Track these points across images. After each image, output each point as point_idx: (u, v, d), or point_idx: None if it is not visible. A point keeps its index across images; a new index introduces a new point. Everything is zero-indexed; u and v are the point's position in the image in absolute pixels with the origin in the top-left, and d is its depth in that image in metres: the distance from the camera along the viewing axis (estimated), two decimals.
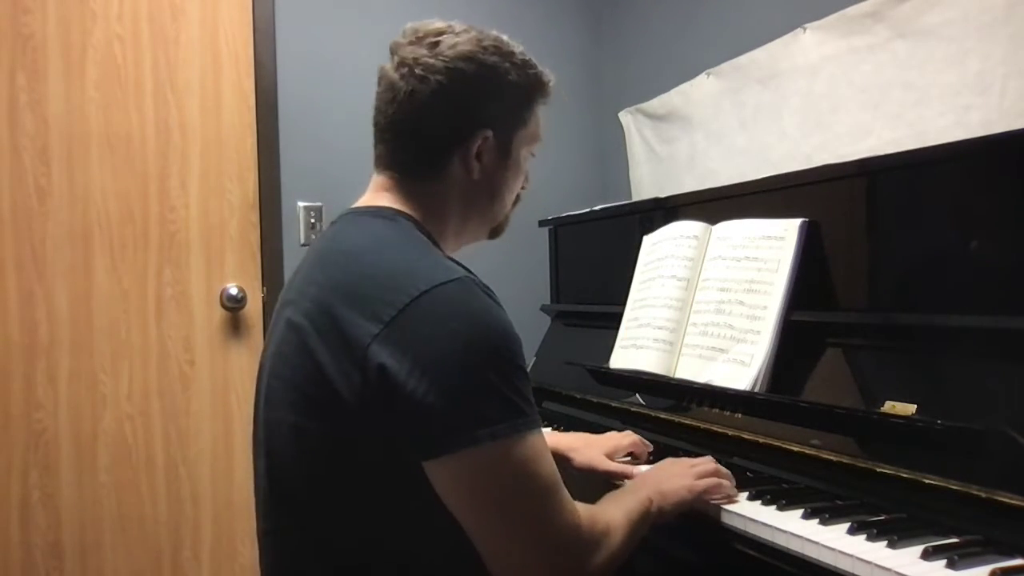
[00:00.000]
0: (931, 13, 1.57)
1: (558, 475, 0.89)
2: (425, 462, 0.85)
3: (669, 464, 1.16)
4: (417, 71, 0.97)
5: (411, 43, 0.99)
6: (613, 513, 0.96)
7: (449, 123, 0.99)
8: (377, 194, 1.03)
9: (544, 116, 1.09)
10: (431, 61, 0.97)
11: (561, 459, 1.29)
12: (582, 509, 0.91)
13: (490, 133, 1.00)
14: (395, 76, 0.99)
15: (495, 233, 1.14)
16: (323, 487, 0.91)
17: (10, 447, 2.06)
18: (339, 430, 0.87)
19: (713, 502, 1.10)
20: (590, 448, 1.32)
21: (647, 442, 1.38)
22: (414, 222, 1.00)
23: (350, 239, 0.98)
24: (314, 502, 0.92)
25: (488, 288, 0.91)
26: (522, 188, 1.12)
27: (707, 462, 1.14)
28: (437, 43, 0.98)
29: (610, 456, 1.31)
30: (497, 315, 0.88)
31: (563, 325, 2.09)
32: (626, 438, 1.37)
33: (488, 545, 0.87)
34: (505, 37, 1.04)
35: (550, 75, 1.06)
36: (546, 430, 1.64)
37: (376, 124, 1.03)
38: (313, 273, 0.97)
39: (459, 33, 1.00)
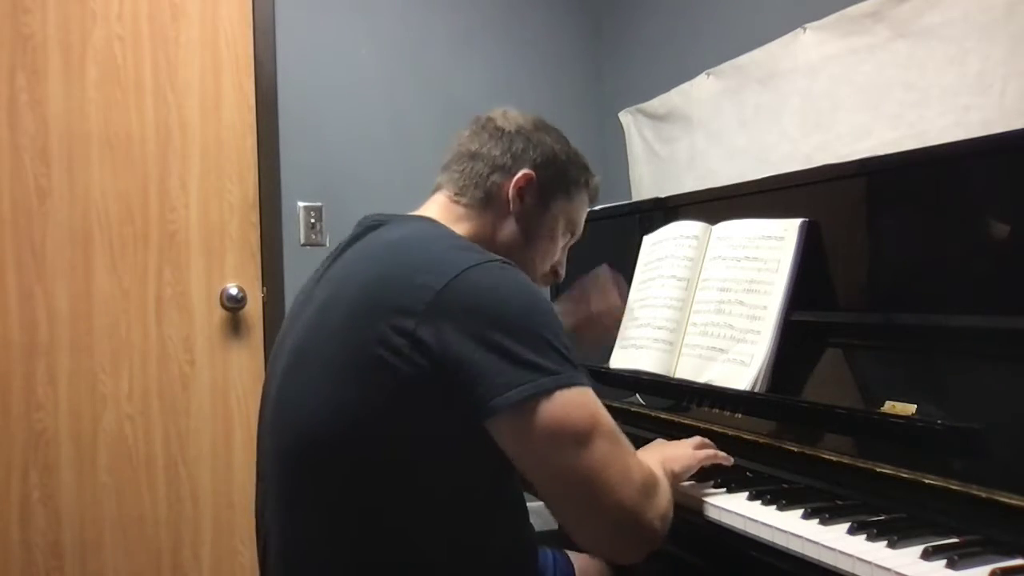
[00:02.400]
0: (931, 13, 1.57)
1: (616, 425, 0.92)
2: (489, 419, 0.87)
3: (664, 442, 1.21)
4: (484, 124, 1.15)
5: (484, 113, 1.18)
6: (655, 467, 0.99)
7: (500, 155, 1.12)
8: (427, 207, 1.14)
9: (583, 216, 1.23)
10: (498, 119, 1.15)
11: None
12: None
13: (533, 176, 1.12)
14: (463, 129, 1.17)
15: None
16: (367, 458, 0.91)
17: (10, 447, 2.06)
18: (385, 399, 0.89)
19: (714, 498, 1.11)
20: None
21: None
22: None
23: (394, 234, 1.03)
24: (355, 473, 0.92)
25: (524, 273, 0.97)
26: (554, 274, 1.22)
27: (702, 440, 1.20)
28: (507, 112, 1.17)
29: None
30: (537, 290, 0.95)
31: None
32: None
33: (567, 504, 0.89)
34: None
35: (598, 179, 1.23)
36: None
37: (442, 165, 1.17)
38: (356, 262, 1.02)
39: (526, 115, 1.18)
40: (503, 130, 1.13)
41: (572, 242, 1.24)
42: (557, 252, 1.20)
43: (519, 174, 1.11)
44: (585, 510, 0.89)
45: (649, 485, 0.91)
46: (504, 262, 0.95)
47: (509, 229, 1.12)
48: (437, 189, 1.15)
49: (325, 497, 0.94)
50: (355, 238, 1.08)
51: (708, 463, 1.16)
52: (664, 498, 0.94)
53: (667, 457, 1.09)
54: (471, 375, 0.86)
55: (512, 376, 0.86)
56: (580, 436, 0.87)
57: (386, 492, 0.91)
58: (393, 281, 0.92)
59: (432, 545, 0.93)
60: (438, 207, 1.12)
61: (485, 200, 1.11)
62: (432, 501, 0.92)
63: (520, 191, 1.11)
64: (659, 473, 0.98)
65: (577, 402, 0.88)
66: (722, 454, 1.18)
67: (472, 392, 0.86)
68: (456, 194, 1.12)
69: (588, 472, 0.87)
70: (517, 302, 0.90)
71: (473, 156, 1.12)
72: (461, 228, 1.09)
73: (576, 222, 1.21)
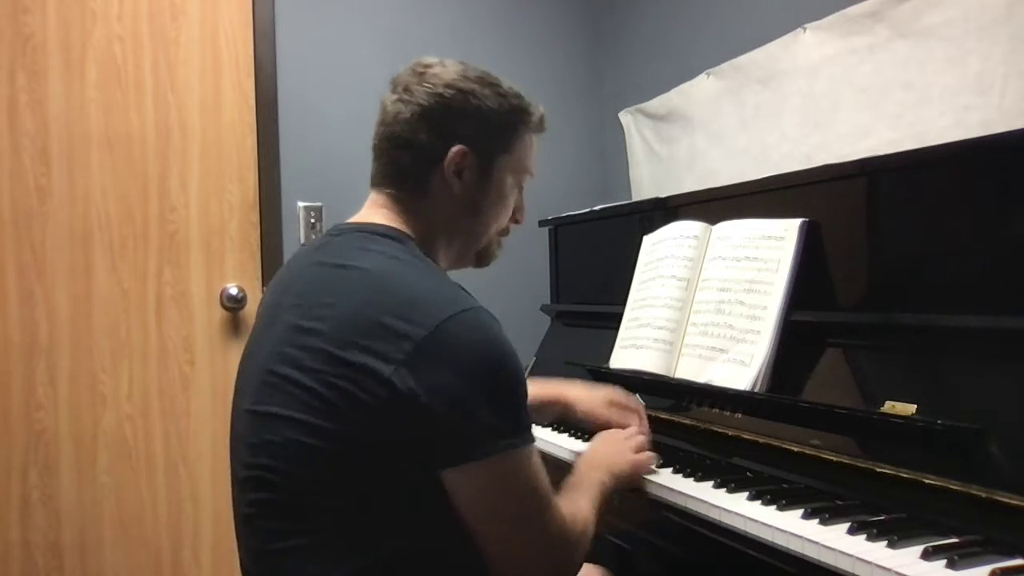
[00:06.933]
0: (931, 13, 1.57)
1: (551, 486, 1.00)
2: (447, 470, 0.92)
3: (609, 442, 1.29)
4: (404, 96, 1.07)
5: (406, 74, 1.09)
6: (583, 506, 1.08)
7: (427, 139, 1.06)
8: (374, 210, 1.09)
9: (537, 149, 1.16)
10: (417, 87, 1.07)
11: (565, 407, 1.42)
12: (564, 508, 1.01)
13: (466, 149, 1.06)
14: (387, 101, 1.09)
15: (481, 259, 1.19)
16: (326, 484, 0.93)
17: (10, 447, 2.06)
18: (360, 432, 0.91)
19: (715, 499, 1.12)
20: (592, 398, 1.41)
21: (640, 400, 1.44)
22: (415, 243, 1.06)
23: (374, 261, 1.00)
24: (313, 497, 0.94)
25: (494, 317, 0.98)
26: (514, 221, 1.19)
27: (638, 434, 1.30)
28: (425, 72, 1.08)
29: (608, 405, 1.39)
30: (509, 344, 0.97)
31: (563, 325, 2.09)
32: (618, 393, 1.43)
33: (500, 549, 0.96)
34: (495, 74, 1.11)
35: (539, 108, 1.14)
36: (543, 429, 1.64)
37: (373, 146, 1.12)
38: (335, 286, 0.99)
39: (448, 65, 1.09)
40: (424, 107, 1.05)
41: (526, 182, 1.18)
42: (511, 205, 1.16)
43: (451, 154, 1.05)
44: (507, 563, 0.97)
45: (570, 540, 1.01)
46: (476, 309, 0.95)
47: (456, 208, 1.09)
48: (376, 184, 1.11)
49: (293, 513, 0.96)
50: (319, 246, 1.08)
51: (644, 470, 1.25)
52: (584, 543, 1.03)
53: (612, 473, 1.18)
54: (435, 428, 0.90)
55: (472, 435, 0.91)
56: (521, 500, 0.96)
57: (354, 517, 0.94)
58: (372, 324, 0.92)
59: (402, 562, 0.95)
60: (386, 210, 1.08)
61: (423, 188, 1.07)
62: (402, 530, 0.94)
63: (457, 169, 1.06)
64: (590, 513, 1.07)
65: (524, 467, 0.95)
66: (653, 456, 1.27)
67: (436, 441, 0.91)
68: (396, 189, 1.08)
69: (521, 534, 0.96)
70: (489, 362, 0.93)
71: (400, 146, 1.07)
72: (412, 225, 1.07)
73: (525, 167, 1.15)
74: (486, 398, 0.92)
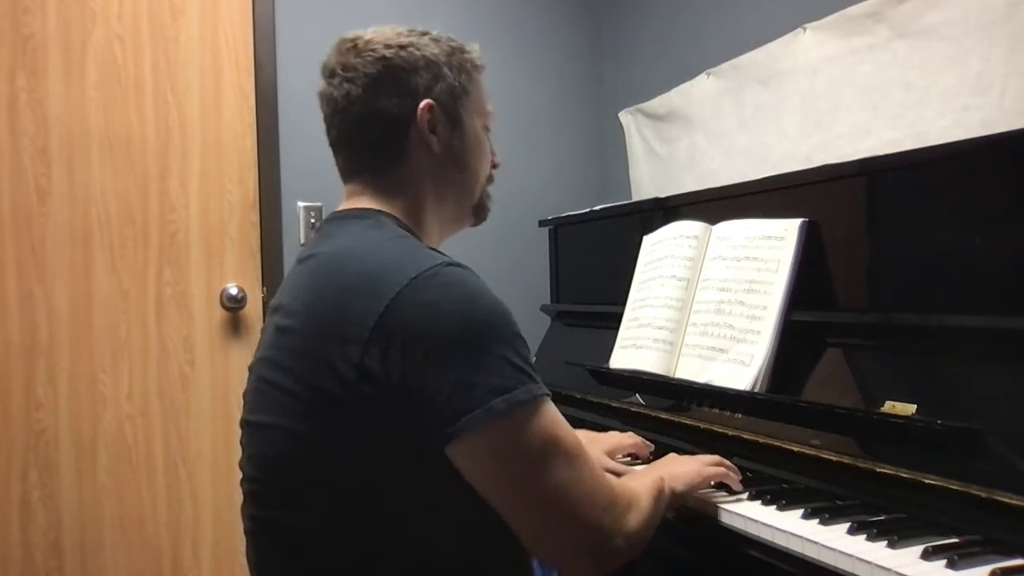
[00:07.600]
0: (931, 13, 1.57)
1: (579, 439, 0.89)
2: (448, 447, 0.83)
3: (675, 456, 1.21)
4: (346, 75, 1.01)
5: (336, 56, 1.03)
6: (635, 484, 0.97)
7: (391, 105, 1.00)
8: (353, 199, 1.05)
9: (488, 89, 1.12)
10: (355, 59, 1.01)
11: None
12: (609, 476, 0.91)
13: (432, 103, 1.01)
14: (329, 90, 1.03)
15: (478, 214, 1.14)
16: (317, 491, 0.90)
17: (10, 447, 2.06)
18: (340, 432, 0.86)
19: (715, 500, 1.11)
20: (592, 445, 1.33)
21: (648, 443, 1.39)
22: (395, 220, 1.01)
23: (336, 243, 0.98)
24: (305, 506, 0.91)
25: (472, 271, 0.91)
26: (493, 167, 1.13)
27: (712, 456, 1.18)
28: (355, 45, 1.02)
29: (611, 454, 1.33)
30: (488, 292, 0.88)
31: (563, 325, 2.09)
32: (628, 438, 1.38)
33: (526, 523, 0.86)
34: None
35: (474, 46, 1.10)
36: None
37: (331, 143, 1.07)
38: (301, 279, 0.97)
39: (373, 32, 1.04)
40: (373, 74, 1.00)
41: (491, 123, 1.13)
42: (488, 149, 1.11)
43: (419, 110, 1.00)
44: (542, 531, 0.86)
45: (614, 504, 0.88)
46: (444, 264, 0.88)
47: (441, 167, 1.03)
48: (347, 176, 1.06)
49: (291, 520, 0.92)
50: (307, 247, 1.04)
51: (716, 480, 1.13)
52: (637, 518, 0.90)
53: (670, 474, 1.05)
54: (422, 402, 0.82)
55: (462, 402, 0.81)
56: (536, 458, 0.84)
57: (354, 518, 0.89)
58: (337, 306, 0.87)
59: (409, 567, 0.90)
60: (363, 196, 1.03)
61: (399, 158, 1.01)
62: (404, 524, 0.88)
63: (431, 125, 1.01)
64: (642, 491, 0.95)
65: (533, 421, 0.84)
66: (733, 475, 1.14)
67: (425, 419, 0.83)
68: (370, 173, 1.03)
69: (545, 495, 0.84)
70: (462, 318, 0.84)
71: (364, 123, 1.01)
72: (393, 203, 1.02)
73: (486, 108, 1.10)
74: (471, 355, 0.82)
